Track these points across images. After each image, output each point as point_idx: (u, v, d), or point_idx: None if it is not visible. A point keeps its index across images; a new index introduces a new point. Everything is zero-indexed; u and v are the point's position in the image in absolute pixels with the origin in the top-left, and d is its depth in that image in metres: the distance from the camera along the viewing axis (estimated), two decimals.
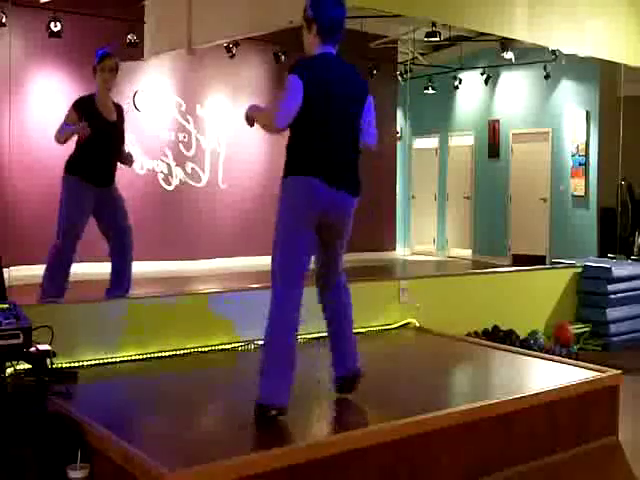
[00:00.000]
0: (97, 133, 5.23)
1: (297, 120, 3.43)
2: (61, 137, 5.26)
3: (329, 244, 3.64)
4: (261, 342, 3.51)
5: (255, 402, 3.37)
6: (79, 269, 8.47)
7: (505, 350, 5.02)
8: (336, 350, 3.77)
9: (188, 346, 4.60)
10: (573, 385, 4.07)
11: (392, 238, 12.26)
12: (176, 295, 5.10)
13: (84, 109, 5.27)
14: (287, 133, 3.51)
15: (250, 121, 3.60)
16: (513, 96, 12.19)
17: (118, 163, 5.48)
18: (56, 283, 5.20)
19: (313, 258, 3.65)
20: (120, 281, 5.40)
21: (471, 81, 12.49)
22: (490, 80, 12.07)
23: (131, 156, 5.61)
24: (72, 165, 5.31)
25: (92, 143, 5.24)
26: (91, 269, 8.18)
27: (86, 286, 7.46)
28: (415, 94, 11.82)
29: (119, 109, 5.48)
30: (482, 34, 10.11)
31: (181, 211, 10.11)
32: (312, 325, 4.97)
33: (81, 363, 4.15)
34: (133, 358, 4.38)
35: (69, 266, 5.25)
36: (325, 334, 4.87)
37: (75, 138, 5.30)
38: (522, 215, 11.89)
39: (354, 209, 3.60)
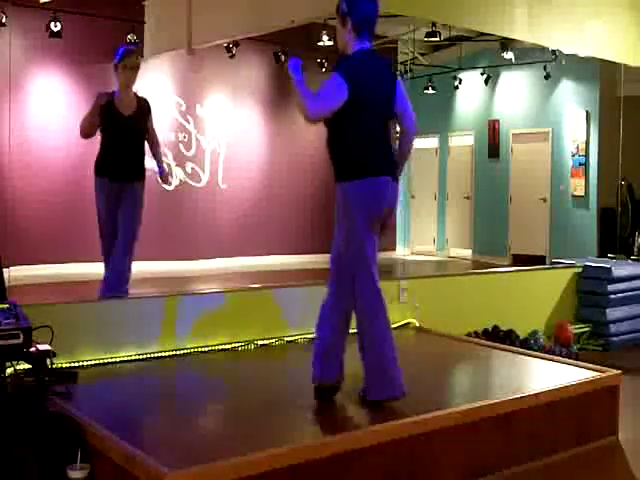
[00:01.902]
0: (112, 128, 5.32)
1: (342, 121, 3.52)
2: (81, 128, 5.37)
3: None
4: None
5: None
6: (79, 270, 8.46)
7: (505, 350, 5.02)
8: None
9: (188, 346, 4.60)
10: (573, 385, 4.07)
11: (392, 238, 12.25)
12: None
13: (103, 104, 5.33)
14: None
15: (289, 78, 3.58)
16: (513, 96, 12.18)
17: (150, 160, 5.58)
18: (107, 278, 5.32)
19: (329, 257, 3.70)
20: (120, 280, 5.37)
21: (471, 81, 12.49)
22: (490, 80, 12.06)
23: (165, 175, 5.73)
24: (96, 165, 5.42)
25: (108, 139, 5.35)
26: (91, 269, 8.21)
27: (86, 286, 7.47)
28: (415, 94, 11.82)
29: (143, 103, 5.49)
30: (482, 34, 10.12)
31: (181, 211, 10.11)
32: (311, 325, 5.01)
33: (81, 363, 4.16)
34: (133, 358, 4.38)
35: (113, 262, 5.31)
36: None
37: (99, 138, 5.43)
38: (522, 215, 11.89)
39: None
